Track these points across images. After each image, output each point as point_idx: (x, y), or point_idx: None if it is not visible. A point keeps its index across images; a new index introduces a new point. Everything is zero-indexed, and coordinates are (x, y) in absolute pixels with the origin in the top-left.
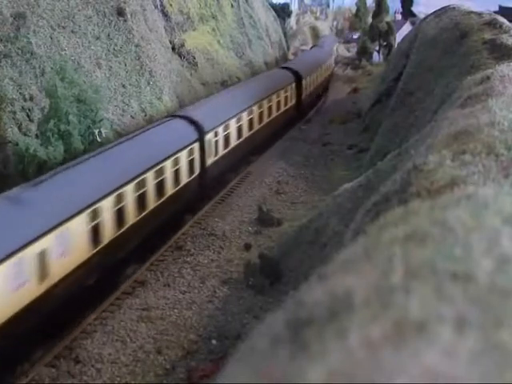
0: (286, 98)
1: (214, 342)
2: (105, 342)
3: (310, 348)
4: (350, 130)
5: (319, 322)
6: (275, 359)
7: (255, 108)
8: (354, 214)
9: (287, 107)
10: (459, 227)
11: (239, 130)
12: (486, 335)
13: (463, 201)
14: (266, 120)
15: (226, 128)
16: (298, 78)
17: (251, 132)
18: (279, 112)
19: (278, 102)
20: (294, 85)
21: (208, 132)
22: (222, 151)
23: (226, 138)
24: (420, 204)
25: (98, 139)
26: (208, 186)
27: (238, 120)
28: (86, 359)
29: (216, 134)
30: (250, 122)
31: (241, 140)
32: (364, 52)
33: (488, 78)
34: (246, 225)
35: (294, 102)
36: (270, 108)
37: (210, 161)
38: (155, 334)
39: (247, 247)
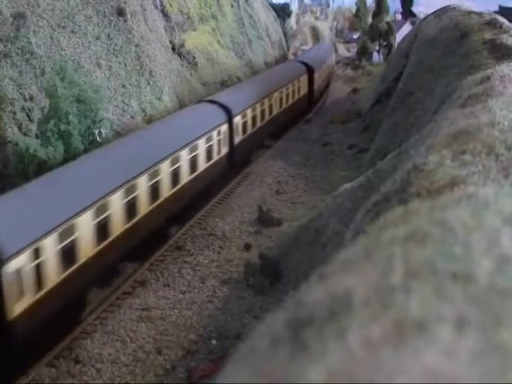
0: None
1: (213, 342)
2: (105, 342)
3: (310, 348)
4: (350, 130)
5: (319, 322)
6: (275, 359)
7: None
8: (354, 214)
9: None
10: (459, 227)
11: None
12: (486, 335)
13: (463, 201)
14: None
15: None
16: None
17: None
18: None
19: (130, 209)
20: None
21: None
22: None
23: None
24: (420, 204)
25: (98, 139)
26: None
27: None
28: (86, 359)
29: None
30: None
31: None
32: (364, 52)
33: (488, 77)
34: (246, 225)
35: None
36: (103, 226)
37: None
38: (155, 334)
39: (247, 247)
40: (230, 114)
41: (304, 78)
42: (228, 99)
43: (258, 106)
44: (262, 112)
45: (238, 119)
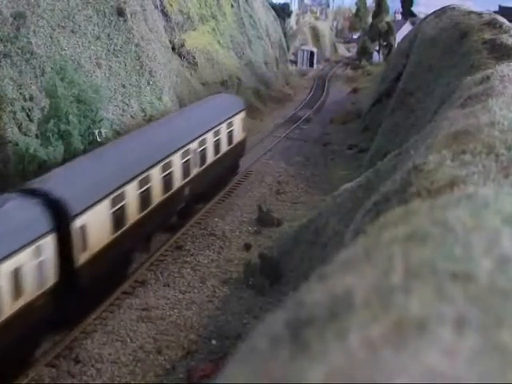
0: None
1: (213, 342)
2: (105, 342)
3: (311, 348)
4: (350, 130)
5: (319, 322)
6: (275, 359)
7: None
8: (354, 214)
9: None
10: (459, 227)
11: None
12: (486, 335)
13: (463, 201)
14: None
15: None
16: None
17: None
18: None
19: None
20: None
21: None
22: None
23: None
24: (420, 204)
25: (98, 139)
26: None
27: None
28: (86, 359)
29: None
30: None
31: None
32: (364, 52)
33: (488, 77)
34: (246, 225)
35: None
36: None
37: None
38: (155, 334)
39: (247, 247)
40: None
41: (41, 248)
42: None
43: None
44: None
45: None
